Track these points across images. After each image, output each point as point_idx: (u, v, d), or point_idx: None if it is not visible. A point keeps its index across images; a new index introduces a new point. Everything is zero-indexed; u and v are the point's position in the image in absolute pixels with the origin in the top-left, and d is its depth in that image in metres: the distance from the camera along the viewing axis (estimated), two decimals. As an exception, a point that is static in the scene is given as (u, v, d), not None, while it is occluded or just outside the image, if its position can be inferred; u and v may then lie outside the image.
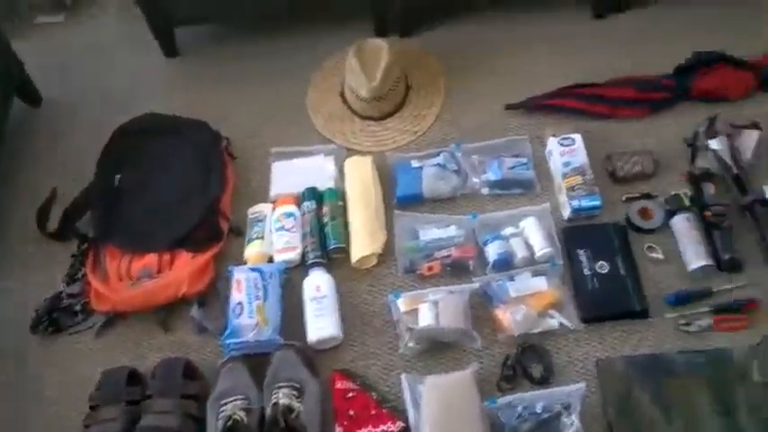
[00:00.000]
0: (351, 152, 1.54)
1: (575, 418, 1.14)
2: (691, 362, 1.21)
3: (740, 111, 1.50)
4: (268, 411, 1.16)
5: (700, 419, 1.14)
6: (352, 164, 1.47)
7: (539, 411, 1.17)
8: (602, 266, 1.32)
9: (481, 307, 1.31)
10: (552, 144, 1.45)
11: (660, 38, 1.66)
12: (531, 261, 1.34)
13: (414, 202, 1.43)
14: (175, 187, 1.47)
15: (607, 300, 1.29)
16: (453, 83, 1.64)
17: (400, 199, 1.43)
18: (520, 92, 1.58)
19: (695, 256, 1.31)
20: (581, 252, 1.33)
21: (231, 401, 1.17)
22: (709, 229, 1.35)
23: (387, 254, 1.39)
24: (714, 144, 1.40)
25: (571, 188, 1.38)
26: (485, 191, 1.43)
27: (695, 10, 1.69)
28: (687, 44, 1.58)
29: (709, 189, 1.39)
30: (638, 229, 1.37)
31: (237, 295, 1.28)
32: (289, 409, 1.15)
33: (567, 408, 1.16)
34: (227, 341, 1.25)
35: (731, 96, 1.50)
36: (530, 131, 1.51)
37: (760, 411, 1.15)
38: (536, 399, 1.19)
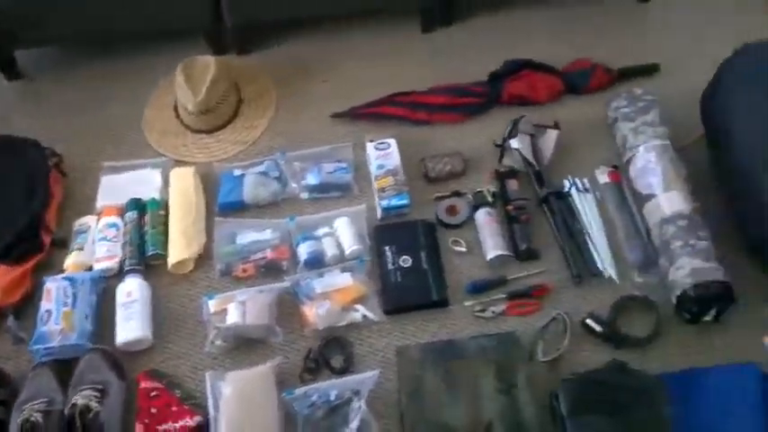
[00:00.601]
0: (181, 164, 1.62)
1: (362, 403, 1.22)
2: (481, 345, 1.29)
3: (548, 113, 1.62)
4: (66, 412, 1.22)
5: (482, 398, 1.22)
6: (175, 175, 1.55)
7: (332, 399, 1.25)
8: (406, 261, 1.41)
9: (291, 304, 1.39)
10: (369, 149, 1.56)
11: (479, 49, 1.80)
12: (341, 259, 1.43)
13: (236, 208, 1.51)
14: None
15: (408, 292, 1.38)
16: (286, 95, 1.75)
17: (222, 206, 1.52)
18: (348, 102, 1.69)
19: (493, 247, 1.42)
20: (387, 248, 1.43)
21: (30, 405, 1.22)
22: (511, 222, 1.47)
23: (206, 259, 1.47)
24: (515, 143, 1.52)
25: (382, 189, 1.49)
26: (304, 195, 1.53)
27: (515, 22, 1.84)
28: (504, 53, 1.71)
29: (513, 185, 1.51)
30: (446, 225, 1.48)
31: (46, 303, 1.35)
32: (87, 409, 1.21)
33: (357, 393, 1.25)
34: (35, 347, 1.31)
35: (539, 100, 1.63)
36: (354, 138, 1.62)
37: (538, 387, 1.24)
38: (331, 387, 1.26)
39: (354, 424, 1.20)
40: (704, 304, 1.30)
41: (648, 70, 1.66)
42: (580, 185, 1.50)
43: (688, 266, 1.30)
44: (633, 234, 1.43)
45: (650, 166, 1.43)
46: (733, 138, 1.38)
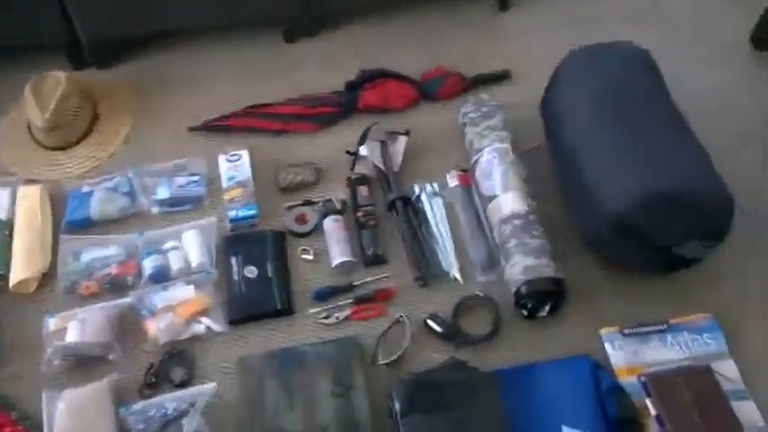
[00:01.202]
0: (33, 182, 1.61)
1: (197, 415, 1.24)
2: (320, 351, 1.33)
3: (404, 120, 1.68)
4: None
5: (319, 403, 1.25)
6: (21, 194, 1.56)
7: (169, 413, 1.26)
8: (251, 271, 1.44)
9: (135, 320, 1.39)
10: (221, 161, 1.59)
11: (342, 59, 1.84)
12: (187, 272, 1.45)
13: (83, 225, 1.52)
14: None
15: (252, 301, 1.41)
16: (144, 110, 1.77)
17: (69, 223, 1.52)
18: (208, 114, 1.71)
19: (338, 254, 1.45)
20: (234, 259, 1.46)
21: None
22: (360, 228, 1.51)
23: (52, 277, 1.47)
24: (364, 150, 1.57)
25: (231, 200, 1.52)
26: (155, 210, 1.55)
27: (378, 32, 1.90)
28: (367, 63, 1.77)
29: (363, 192, 1.55)
30: (295, 234, 1.51)
31: None
32: None
33: (194, 405, 1.26)
34: None
35: (395, 107, 1.69)
36: (210, 151, 1.63)
37: (377, 389, 1.27)
38: (168, 401, 1.27)
39: (188, 437, 1.23)
40: (537, 300, 1.36)
41: (500, 77, 1.74)
42: (430, 189, 1.56)
43: (521, 264, 1.36)
44: (477, 234, 1.49)
45: (492, 168, 1.49)
46: (560, 139, 1.46)
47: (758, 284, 1.44)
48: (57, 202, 1.58)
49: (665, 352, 1.35)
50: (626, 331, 1.37)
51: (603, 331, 1.37)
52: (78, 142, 1.66)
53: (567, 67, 1.47)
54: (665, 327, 1.37)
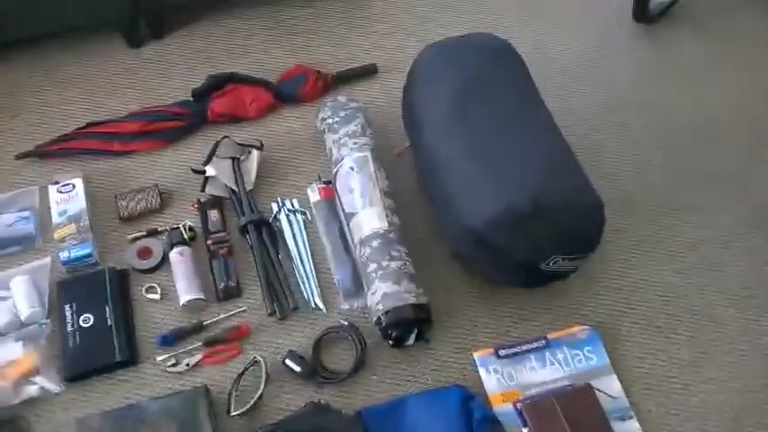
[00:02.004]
0: None
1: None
2: (164, 406, 1.21)
3: (261, 128, 1.55)
4: None
5: None
6: None
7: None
8: (87, 319, 1.30)
9: (-42, 387, 1.28)
10: (51, 192, 1.43)
11: (193, 63, 1.66)
12: (18, 326, 1.30)
13: None
14: None
15: (88, 355, 1.28)
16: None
17: None
18: (46, 138, 1.53)
19: (184, 291, 1.32)
20: (68, 307, 1.31)
21: None
22: (211, 258, 1.38)
23: None
24: (210, 170, 1.43)
25: (62, 238, 1.37)
26: (-21, 254, 1.41)
27: (232, 31, 1.72)
28: (221, 66, 1.62)
29: (214, 216, 1.42)
30: (139, 270, 1.38)
31: None
32: None
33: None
34: None
35: (248, 115, 1.54)
36: (43, 180, 1.47)
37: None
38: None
39: None
40: (401, 328, 1.26)
41: (366, 72, 1.61)
42: (289, 207, 1.44)
43: (380, 292, 1.25)
44: (341, 256, 1.38)
45: (350, 181, 1.37)
46: (420, 145, 1.35)
47: (638, 289, 1.38)
48: None
49: (544, 372, 1.28)
50: (501, 352, 1.29)
51: (477, 355, 1.29)
52: None
53: (421, 64, 1.35)
54: (544, 343, 1.31)
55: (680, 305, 1.37)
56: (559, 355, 1.29)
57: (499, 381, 1.25)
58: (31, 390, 1.25)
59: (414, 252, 1.33)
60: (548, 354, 1.29)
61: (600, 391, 1.24)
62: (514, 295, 1.35)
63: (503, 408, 1.23)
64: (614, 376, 1.27)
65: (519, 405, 1.23)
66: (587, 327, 1.32)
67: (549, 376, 1.27)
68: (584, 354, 1.29)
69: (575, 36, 1.76)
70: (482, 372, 1.26)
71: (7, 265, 1.39)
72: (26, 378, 1.25)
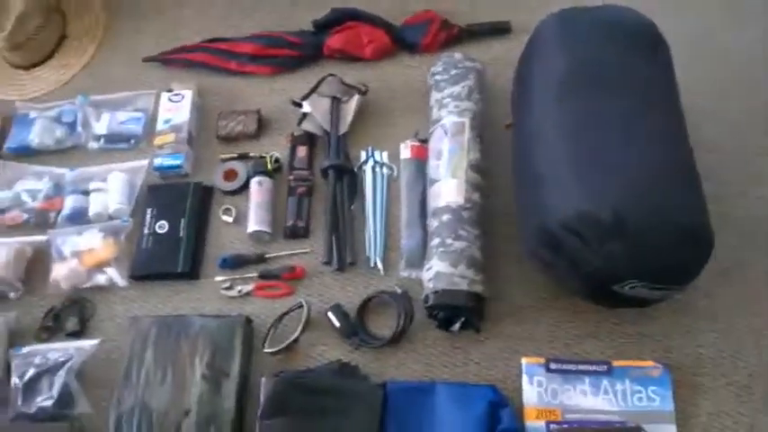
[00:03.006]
0: (-4, 103, 1.65)
1: (71, 371, 1.23)
2: (205, 326, 1.25)
3: (374, 72, 1.50)
4: None
5: (188, 383, 1.18)
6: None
7: (49, 363, 1.26)
8: (162, 226, 1.37)
9: (46, 260, 1.39)
10: (163, 100, 1.49)
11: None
12: (104, 217, 1.41)
13: (24, 153, 1.52)
14: None
15: (155, 260, 1.36)
16: (116, 33, 1.69)
17: (9, 149, 1.52)
18: (176, 44, 1.60)
19: (253, 221, 1.35)
20: (149, 211, 1.40)
21: None
22: (288, 194, 1.38)
23: (-15, 204, 1.51)
24: (306, 106, 1.41)
25: (161, 146, 1.44)
26: (92, 144, 1.50)
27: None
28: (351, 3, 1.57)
29: (301, 153, 1.41)
30: (223, 191, 1.42)
31: None
32: None
33: (70, 359, 1.26)
34: None
35: (363, 56, 1.49)
36: (164, 86, 1.55)
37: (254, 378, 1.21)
38: (52, 351, 1.28)
39: (55, 391, 1.22)
40: (447, 311, 1.19)
41: (498, 30, 1.48)
42: (378, 159, 1.40)
43: (434, 269, 1.19)
44: (414, 221, 1.32)
45: (441, 146, 1.29)
46: (522, 122, 1.21)
47: (740, 339, 1.18)
48: (7, 123, 1.57)
49: (594, 400, 1.15)
50: (552, 365, 1.18)
51: (525, 360, 1.19)
52: (43, 62, 1.64)
53: (540, 34, 1.21)
54: (606, 368, 1.17)
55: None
56: (618, 387, 1.14)
57: (540, 395, 1.15)
58: (101, 279, 1.36)
59: (493, 238, 1.24)
60: (606, 381, 1.15)
61: (651, 438, 1.11)
62: (588, 308, 1.20)
63: (534, 424, 1.12)
64: (674, 427, 1.11)
65: (553, 426, 1.12)
66: (663, 365, 1.16)
67: (598, 405, 1.13)
68: (647, 393, 1.14)
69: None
70: (525, 380, 1.16)
71: (110, 159, 1.50)
72: (99, 267, 1.37)
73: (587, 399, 1.15)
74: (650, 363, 1.17)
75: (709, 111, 1.31)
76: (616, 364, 1.17)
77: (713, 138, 1.27)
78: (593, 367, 1.17)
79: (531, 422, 1.14)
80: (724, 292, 1.22)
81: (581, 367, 1.17)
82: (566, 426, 1.12)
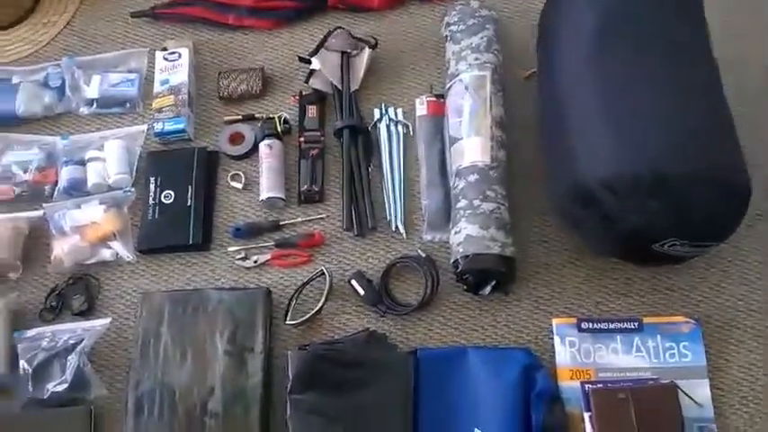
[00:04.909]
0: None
1: (83, 353, 1.18)
2: (224, 300, 1.22)
3: (385, 23, 1.44)
4: None
5: (210, 360, 1.16)
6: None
7: (59, 345, 1.22)
8: (168, 196, 1.33)
9: (44, 236, 1.33)
10: (158, 59, 1.42)
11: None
12: (104, 188, 1.36)
13: (9, 122, 1.43)
14: None
15: (163, 231, 1.31)
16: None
17: (-7, 119, 1.46)
18: (163, -2, 1.55)
19: (265, 187, 1.31)
20: (153, 180, 1.34)
21: None
22: (300, 157, 1.34)
23: (-30, 177, 1.43)
24: (315, 62, 1.36)
25: (160, 109, 1.38)
26: (84, 110, 1.43)
27: None
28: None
29: (311, 112, 1.37)
30: (229, 156, 1.37)
31: None
32: None
33: (81, 341, 1.22)
34: None
35: (372, 5, 1.44)
36: (157, 44, 1.48)
37: (279, 352, 1.19)
38: (61, 332, 1.23)
39: (68, 375, 1.18)
40: (479, 276, 1.18)
41: (514, -27, 1.44)
42: (392, 116, 1.36)
43: (464, 232, 1.17)
44: (436, 181, 1.29)
45: (461, 102, 1.26)
46: (549, 73, 1.18)
47: (759, 288, 1.19)
48: (-13, 90, 1.50)
49: (627, 358, 1.16)
50: (583, 325, 1.18)
51: (556, 321, 1.19)
52: (20, 21, 1.54)
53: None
54: (637, 325, 1.18)
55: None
56: (650, 344, 1.16)
57: (573, 355, 1.15)
58: (106, 253, 1.31)
59: (515, 195, 1.22)
60: (637, 339, 1.16)
61: (685, 393, 1.12)
62: (616, 266, 1.21)
63: (569, 385, 1.13)
64: (707, 381, 1.13)
65: (588, 387, 1.12)
66: (692, 320, 1.18)
67: (631, 363, 1.14)
68: (679, 348, 1.15)
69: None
70: (557, 341, 1.16)
71: (105, 125, 1.43)
72: (103, 241, 1.31)
73: (620, 357, 1.16)
74: (681, 318, 1.19)
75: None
76: (647, 320, 1.19)
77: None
78: (624, 325, 1.18)
79: (565, 383, 1.15)
80: (752, 244, 1.22)
81: (612, 326, 1.18)
82: (600, 386, 1.15)
